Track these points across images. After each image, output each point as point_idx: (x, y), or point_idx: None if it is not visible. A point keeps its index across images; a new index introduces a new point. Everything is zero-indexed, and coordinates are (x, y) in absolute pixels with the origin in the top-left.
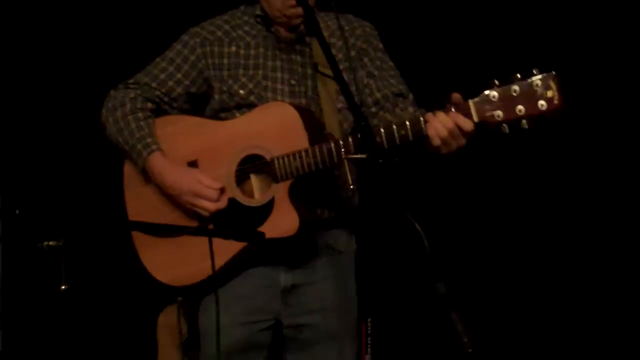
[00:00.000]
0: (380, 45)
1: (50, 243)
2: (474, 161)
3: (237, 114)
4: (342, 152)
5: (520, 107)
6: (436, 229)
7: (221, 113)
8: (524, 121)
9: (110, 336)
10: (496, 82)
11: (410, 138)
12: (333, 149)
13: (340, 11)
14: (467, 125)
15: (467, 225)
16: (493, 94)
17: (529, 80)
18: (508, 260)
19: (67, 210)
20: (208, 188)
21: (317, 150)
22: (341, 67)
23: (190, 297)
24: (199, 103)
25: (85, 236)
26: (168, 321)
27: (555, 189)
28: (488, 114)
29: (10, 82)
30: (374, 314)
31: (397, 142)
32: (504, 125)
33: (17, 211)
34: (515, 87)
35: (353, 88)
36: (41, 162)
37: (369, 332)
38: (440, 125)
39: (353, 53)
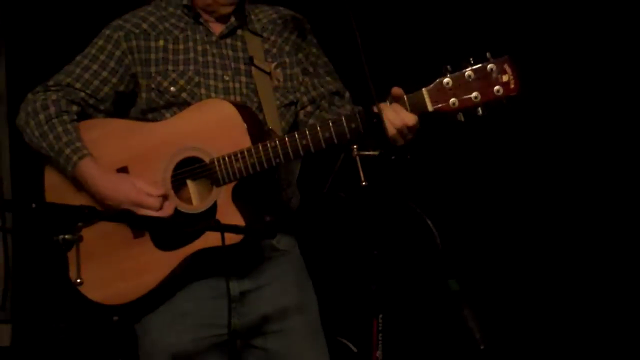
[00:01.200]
0: (314, 40)
1: (66, 237)
2: (485, 157)
3: (167, 114)
4: (354, 148)
5: (475, 93)
6: (449, 226)
7: (149, 114)
8: (479, 108)
9: (120, 331)
10: (449, 68)
11: (348, 136)
12: (278, 146)
13: (272, 3)
14: (411, 119)
15: (479, 222)
16: (446, 80)
17: (483, 65)
18: (521, 256)
19: (82, 204)
20: (149, 196)
21: (260, 148)
22: (275, 62)
23: (126, 316)
24: (125, 104)
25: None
26: None
27: (565, 187)
28: (442, 102)
29: (29, 78)
30: (385, 310)
31: (336, 140)
32: (460, 113)
33: (33, 205)
34: (469, 73)
35: (289, 84)
36: None
37: (380, 328)
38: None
39: (287, 48)
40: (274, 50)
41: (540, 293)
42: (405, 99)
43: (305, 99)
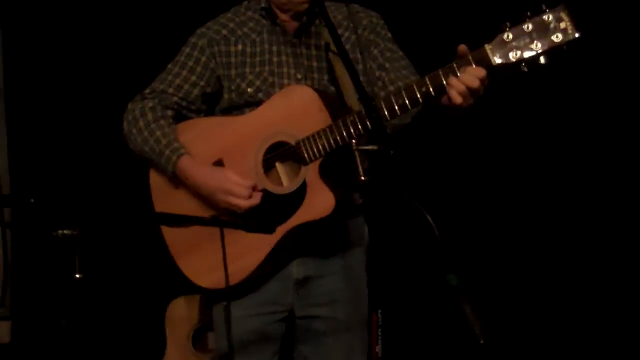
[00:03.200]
0: (389, 35)
1: (65, 232)
2: (484, 151)
3: (247, 111)
4: (353, 143)
5: (536, 43)
6: (447, 219)
7: (231, 112)
8: (541, 57)
9: (120, 327)
10: (507, 24)
11: (432, 93)
12: (357, 119)
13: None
14: (480, 72)
15: (479, 216)
16: (507, 35)
17: (540, 16)
18: (520, 251)
19: (83, 199)
20: (238, 185)
21: (340, 123)
22: (350, 57)
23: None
24: (214, 103)
25: (100, 226)
26: (175, 314)
27: (566, 181)
28: (505, 55)
29: (26, 73)
30: (384, 305)
31: (420, 100)
32: (523, 64)
33: (32, 199)
34: (528, 25)
35: (364, 79)
36: (57, 150)
37: (379, 323)
38: (458, 81)
39: (361, 43)
40: (347, 46)
41: (540, 288)
42: (470, 56)
43: (382, 94)
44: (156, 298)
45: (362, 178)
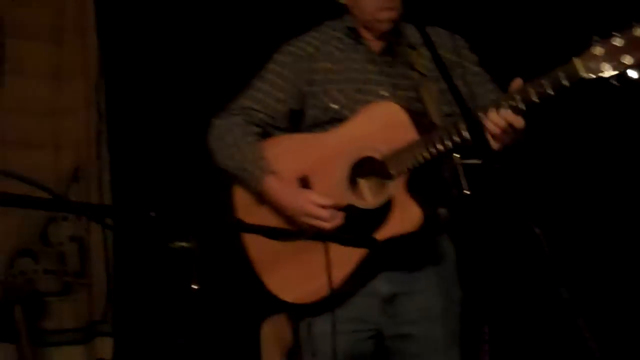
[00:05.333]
0: (475, 58)
1: (183, 244)
2: (594, 161)
3: (331, 128)
4: (456, 157)
5: (626, 56)
6: (556, 232)
7: (314, 128)
8: (633, 71)
9: (214, 344)
10: (596, 38)
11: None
12: (443, 134)
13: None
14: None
15: (588, 227)
16: (596, 48)
17: (630, 30)
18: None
19: (199, 211)
20: (321, 208)
21: (427, 139)
22: (433, 75)
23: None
24: (298, 120)
25: (216, 238)
26: (272, 331)
27: None
28: (594, 69)
29: (144, 86)
30: (491, 319)
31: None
32: (613, 78)
33: (152, 213)
34: (618, 39)
35: (443, 98)
36: (171, 161)
37: (486, 339)
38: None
39: (447, 65)
40: (430, 66)
41: None
42: (575, 62)
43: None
44: (251, 316)
45: (466, 192)
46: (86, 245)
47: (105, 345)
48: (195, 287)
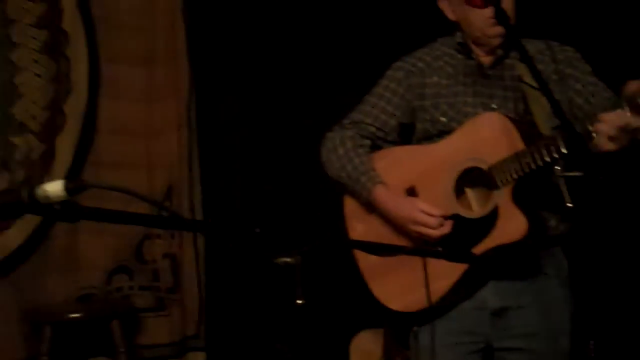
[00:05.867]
0: (588, 68)
1: (288, 260)
2: None
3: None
4: (557, 169)
5: None
6: None
7: (424, 141)
8: None
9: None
10: None
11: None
12: (550, 144)
13: (540, 37)
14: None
15: None
16: None
17: None
18: None
19: (303, 226)
20: (429, 216)
21: (533, 147)
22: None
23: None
24: (408, 134)
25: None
26: (360, 348)
27: None
28: None
29: (235, 102)
30: (598, 335)
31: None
32: None
33: (257, 229)
34: None
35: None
36: (276, 176)
37: (592, 355)
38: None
39: (554, 76)
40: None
41: None
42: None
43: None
44: (341, 330)
45: (569, 205)
46: (179, 262)
47: None
48: (300, 302)
